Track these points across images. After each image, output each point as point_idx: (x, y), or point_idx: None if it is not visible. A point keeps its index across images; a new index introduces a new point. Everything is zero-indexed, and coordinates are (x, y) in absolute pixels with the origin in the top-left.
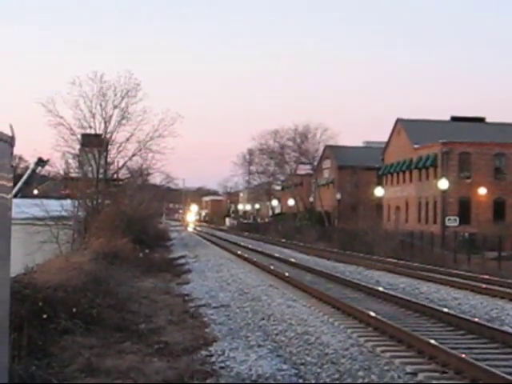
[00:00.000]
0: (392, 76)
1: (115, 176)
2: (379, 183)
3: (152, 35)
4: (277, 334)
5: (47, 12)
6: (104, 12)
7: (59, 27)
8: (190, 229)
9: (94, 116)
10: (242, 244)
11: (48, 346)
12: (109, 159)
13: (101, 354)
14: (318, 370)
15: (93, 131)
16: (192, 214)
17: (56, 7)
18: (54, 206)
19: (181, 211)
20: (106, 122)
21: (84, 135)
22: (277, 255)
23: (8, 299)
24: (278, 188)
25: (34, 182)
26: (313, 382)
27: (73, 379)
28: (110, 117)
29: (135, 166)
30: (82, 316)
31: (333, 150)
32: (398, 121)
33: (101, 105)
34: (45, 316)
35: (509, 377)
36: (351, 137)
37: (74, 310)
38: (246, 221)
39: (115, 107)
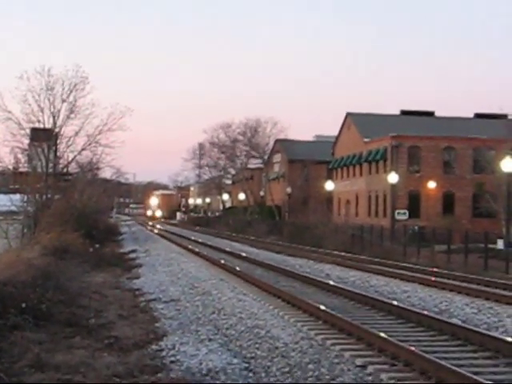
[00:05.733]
0: (342, 70)
1: (65, 170)
2: (329, 177)
3: (101, 27)
4: (227, 328)
5: None
6: (52, 4)
7: (6, 21)
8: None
9: (42, 110)
10: (193, 238)
11: None
12: (58, 153)
13: (50, 349)
14: (269, 364)
15: (42, 125)
16: (152, 209)
17: (2, 1)
18: (3, 201)
19: (132, 205)
20: (54, 116)
21: (33, 129)
22: (227, 249)
23: None
24: (229, 182)
25: None
26: (263, 375)
27: (22, 375)
28: (59, 111)
29: (85, 160)
30: (32, 311)
31: (283, 144)
32: (348, 115)
33: (49, 99)
34: None
35: (457, 369)
36: (302, 131)
37: (24, 305)
38: (196, 215)
39: (63, 101)
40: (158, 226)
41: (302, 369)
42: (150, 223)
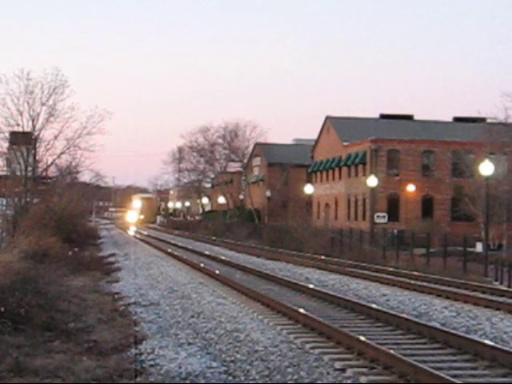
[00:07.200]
0: (321, 74)
1: (44, 174)
2: (309, 180)
3: (80, 31)
4: (206, 332)
5: None
6: (31, 7)
7: None
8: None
9: (21, 114)
10: (172, 242)
11: None
12: (37, 157)
13: (29, 353)
14: (248, 367)
15: (21, 129)
16: (135, 212)
17: None
18: None
19: (111, 209)
20: (33, 120)
21: (12, 133)
22: (207, 253)
23: None
24: (208, 186)
25: None
26: (242, 378)
27: (1, 379)
28: (38, 114)
29: (64, 163)
30: (10, 315)
31: (263, 148)
32: (328, 118)
33: (28, 102)
34: None
35: (436, 372)
36: (281, 134)
37: (2, 309)
38: (176, 218)
39: (43, 104)
40: (138, 230)
41: (282, 372)
42: (132, 227)
